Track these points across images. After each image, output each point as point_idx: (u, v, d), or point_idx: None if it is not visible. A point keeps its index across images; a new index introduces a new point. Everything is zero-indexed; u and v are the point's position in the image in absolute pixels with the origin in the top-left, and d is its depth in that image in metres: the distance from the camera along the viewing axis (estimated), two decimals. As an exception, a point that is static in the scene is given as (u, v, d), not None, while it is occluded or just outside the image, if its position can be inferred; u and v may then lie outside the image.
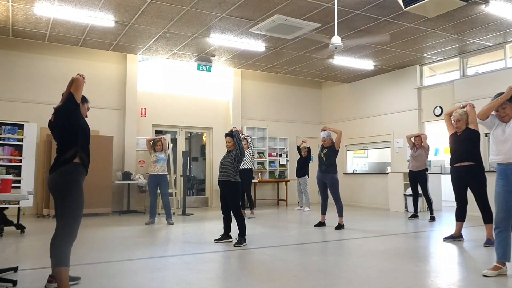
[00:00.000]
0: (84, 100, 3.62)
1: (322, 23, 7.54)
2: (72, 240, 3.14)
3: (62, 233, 3.12)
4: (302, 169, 10.46)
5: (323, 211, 7.33)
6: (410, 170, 8.47)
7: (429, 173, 8.72)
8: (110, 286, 3.52)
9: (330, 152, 7.10)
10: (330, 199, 7.27)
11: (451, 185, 5.74)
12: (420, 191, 8.53)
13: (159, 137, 8.26)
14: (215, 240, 5.75)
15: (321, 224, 7.29)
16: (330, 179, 7.02)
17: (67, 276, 3.11)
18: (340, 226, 6.93)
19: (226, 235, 5.74)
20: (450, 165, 5.68)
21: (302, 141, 10.74)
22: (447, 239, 5.76)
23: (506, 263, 3.87)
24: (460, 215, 5.69)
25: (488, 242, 5.30)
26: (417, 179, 8.35)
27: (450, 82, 9.94)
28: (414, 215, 8.46)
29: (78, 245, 5.20)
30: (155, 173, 7.70)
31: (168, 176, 8.09)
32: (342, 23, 7.45)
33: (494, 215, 4.08)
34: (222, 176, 5.62)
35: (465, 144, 5.46)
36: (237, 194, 5.60)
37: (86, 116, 3.60)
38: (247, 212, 8.95)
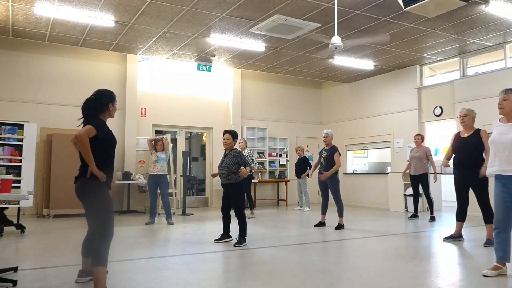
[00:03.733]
0: (113, 99, 3.48)
1: (322, 23, 7.54)
2: (109, 240, 3.21)
3: (98, 235, 3.20)
4: (302, 170, 10.45)
5: (324, 211, 7.33)
6: (410, 175, 8.38)
7: (430, 173, 8.66)
8: (110, 285, 3.52)
9: (329, 155, 7.08)
10: (331, 200, 7.27)
11: (454, 185, 5.72)
12: (420, 190, 8.52)
13: (160, 137, 8.26)
14: (215, 240, 5.75)
15: (321, 224, 7.29)
16: (331, 179, 7.02)
17: (104, 275, 3.16)
18: (340, 226, 6.93)
19: (225, 235, 5.74)
20: (453, 166, 5.64)
21: (297, 149, 10.77)
22: (447, 239, 5.76)
23: (506, 263, 3.87)
24: (461, 215, 5.68)
25: (488, 242, 5.29)
26: (419, 181, 8.29)
27: (450, 82, 9.94)
28: (414, 215, 8.46)
29: (78, 245, 5.20)
30: (155, 173, 7.71)
31: (168, 176, 8.09)
32: (342, 23, 7.45)
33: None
34: (223, 180, 5.58)
35: (470, 149, 5.39)
36: (241, 195, 5.58)
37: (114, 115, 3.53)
38: (247, 212, 8.93)
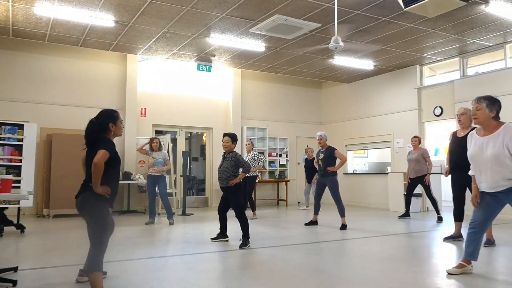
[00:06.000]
0: (115, 118, 3.41)
1: (322, 23, 7.54)
2: (102, 251, 3.26)
3: (93, 246, 3.26)
4: (312, 174, 10.25)
5: (316, 211, 7.42)
6: (410, 177, 8.29)
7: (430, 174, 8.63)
8: (110, 286, 3.52)
9: (326, 157, 7.13)
10: (329, 200, 7.28)
11: (450, 184, 5.71)
12: (418, 190, 8.51)
13: (147, 140, 8.41)
14: (211, 238, 5.79)
15: (313, 223, 7.38)
16: (330, 181, 7.08)
17: (100, 280, 3.20)
18: (344, 226, 6.95)
19: (222, 235, 5.77)
20: (450, 167, 5.62)
21: (306, 150, 10.72)
22: (447, 239, 5.76)
23: (473, 262, 3.93)
24: (459, 215, 5.68)
25: (488, 242, 5.30)
26: (418, 182, 8.23)
27: (450, 82, 9.94)
28: (405, 215, 8.49)
29: (78, 246, 5.20)
30: (153, 173, 7.77)
31: (167, 176, 8.12)
32: (342, 23, 7.45)
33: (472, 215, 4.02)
34: (222, 183, 5.62)
35: (466, 150, 5.34)
36: (240, 197, 5.60)
37: (120, 134, 3.53)
38: (250, 213, 8.87)
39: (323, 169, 7.13)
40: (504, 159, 3.51)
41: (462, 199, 5.61)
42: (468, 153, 3.83)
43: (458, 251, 5.14)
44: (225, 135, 5.70)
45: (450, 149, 5.64)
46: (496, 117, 3.66)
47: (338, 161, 7.23)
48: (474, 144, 3.77)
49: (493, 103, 3.66)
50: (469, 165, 5.24)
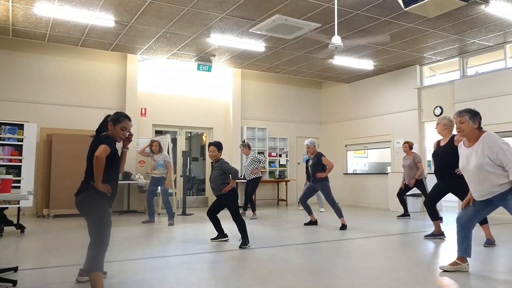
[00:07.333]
0: (117, 120, 3.42)
1: (322, 23, 7.54)
2: (103, 250, 3.27)
3: (93, 246, 3.27)
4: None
5: (309, 211, 7.46)
6: (405, 183, 8.38)
7: (427, 173, 8.67)
8: (110, 286, 3.52)
9: (314, 163, 7.22)
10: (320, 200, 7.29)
11: (433, 184, 5.79)
12: (415, 191, 8.58)
13: (148, 142, 8.38)
14: (211, 239, 5.80)
15: (312, 223, 7.44)
16: (321, 187, 7.18)
17: (101, 280, 3.21)
18: (344, 226, 6.97)
19: (221, 234, 5.79)
20: (434, 172, 5.64)
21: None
22: (428, 236, 5.95)
23: (469, 260, 4.00)
24: (433, 215, 5.83)
25: (488, 242, 5.32)
26: (415, 186, 8.31)
27: (450, 82, 9.94)
28: (405, 214, 8.51)
29: (78, 246, 5.20)
30: (155, 176, 7.85)
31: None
32: (342, 23, 7.45)
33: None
34: (216, 192, 5.66)
35: (442, 158, 5.34)
36: (235, 201, 5.65)
37: (122, 137, 3.47)
38: (249, 213, 8.87)
39: (312, 175, 7.25)
40: (487, 168, 3.57)
41: (435, 201, 5.79)
42: (459, 165, 3.89)
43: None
44: (210, 144, 5.67)
45: (432, 157, 5.75)
46: (479, 128, 3.73)
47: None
48: (462, 155, 3.83)
49: (475, 115, 3.73)
50: (449, 172, 5.21)
